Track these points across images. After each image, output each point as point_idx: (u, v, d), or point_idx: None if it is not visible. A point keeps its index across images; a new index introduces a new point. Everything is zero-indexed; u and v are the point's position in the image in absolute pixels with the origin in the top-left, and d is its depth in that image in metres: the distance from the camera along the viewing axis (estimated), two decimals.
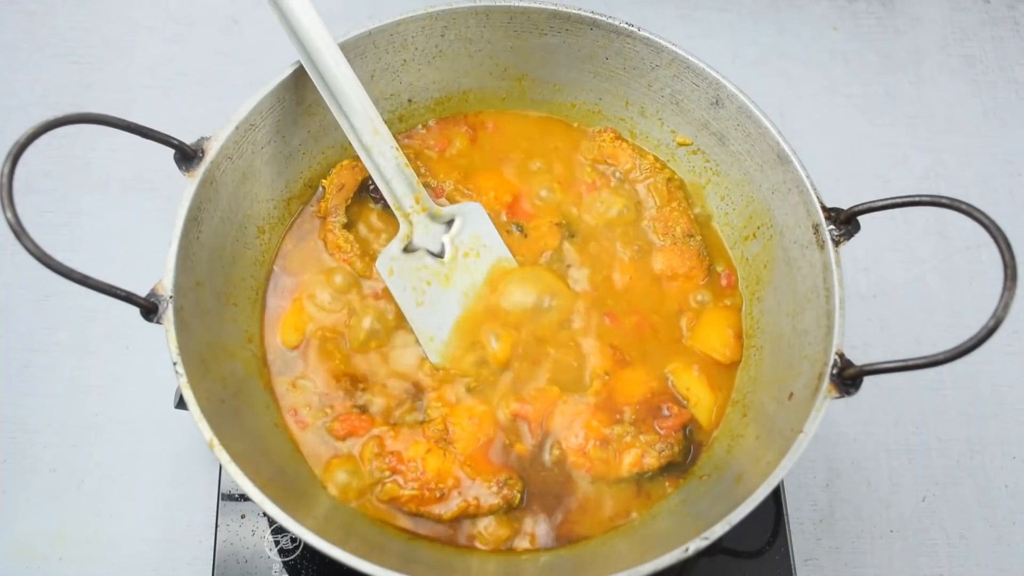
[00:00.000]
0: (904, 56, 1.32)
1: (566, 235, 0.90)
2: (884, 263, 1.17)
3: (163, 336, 0.69)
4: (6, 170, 0.60)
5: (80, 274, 0.63)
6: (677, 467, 0.80)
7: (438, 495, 0.77)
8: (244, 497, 0.87)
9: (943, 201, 0.65)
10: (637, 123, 0.94)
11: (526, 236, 0.90)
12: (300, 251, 0.88)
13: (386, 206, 0.90)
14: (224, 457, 0.65)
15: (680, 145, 0.92)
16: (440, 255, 0.86)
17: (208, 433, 0.66)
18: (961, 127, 1.27)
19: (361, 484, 0.78)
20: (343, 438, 0.79)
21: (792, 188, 0.79)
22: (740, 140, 0.85)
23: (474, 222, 0.87)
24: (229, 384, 0.76)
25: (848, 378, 0.68)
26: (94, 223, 1.15)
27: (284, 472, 0.75)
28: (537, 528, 0.78)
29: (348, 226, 0.89)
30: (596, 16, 0.85)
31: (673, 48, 0.84)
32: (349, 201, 0.89)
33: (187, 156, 0.74)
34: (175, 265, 0.71)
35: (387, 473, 0.77)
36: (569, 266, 0.89)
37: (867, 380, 0.68)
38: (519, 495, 0.78)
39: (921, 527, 1.03)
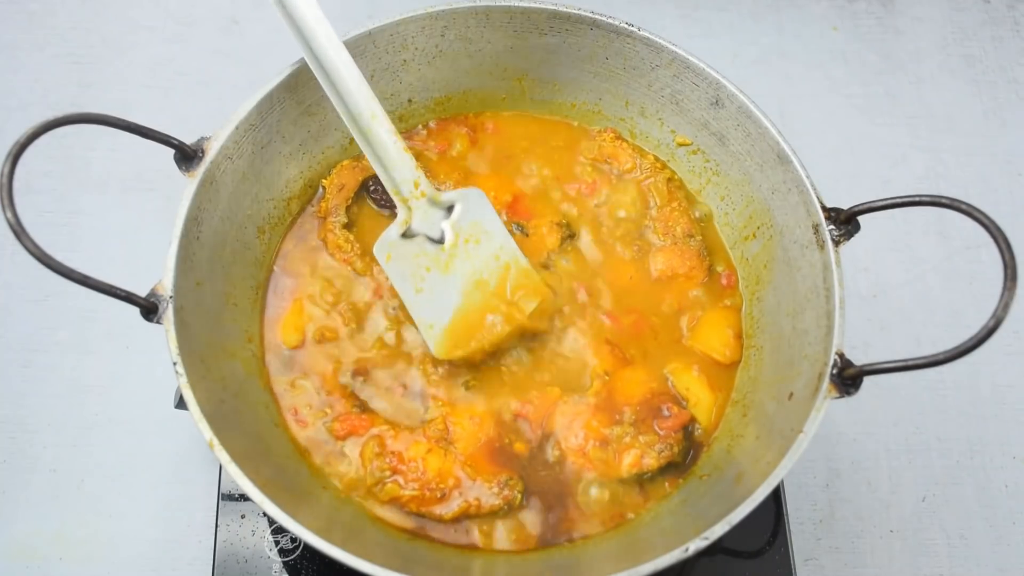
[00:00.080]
0: (904, 56, 1.32)
1: (566, 235, 0.90)
2: (884, 263, 1.17)
3: (163, 336, 0.69)
4: (6, 170, 0.61)
5: (80, 274, 0.63)
6: (677, 467, 0.80)
7: (439, 495, 0.77)
8: (244, 497, 0.87)
9: (943, 201, 0.65)
10: (637, 123, 0.94)
11: (527, 236, 0.90)
12: (300, 251, 0.88)
13: (386, 206, 0.90)
14: (224, 457, 0.65)
15: (680, 145, 0.92)
16: (440, 241, 0.83)
17: (208, 433, 0.66)
18: (961, 127, 1.27)
19: (361, 484, 0.78)
20: (343, 438, 0.79)
21: (792, 188, 0.79)
22: (740, 140, 0.85)
23: (475, 208, 0.84)
24: (229, 384, 0.76)
25: (848, 378, 0.68)
26: (94, 223, 1.15)
27: (284, 472, 0.75)
28: (537, 528, 0.78)
29: (348, 226, 0.88)
30: (596, 16, 0.85)
31: (673, 48, 0.84)
32: (349, 201, 0.89)
33: (187, 156, 0.75)
34: (175, 265, 0.71)
35: (388, 473, 0.77)
36: (569, 266, 0.89)
37: (867, 380, 0.68)
38: (520, 495, 0.78)
39: (921, 527, 1.03)
